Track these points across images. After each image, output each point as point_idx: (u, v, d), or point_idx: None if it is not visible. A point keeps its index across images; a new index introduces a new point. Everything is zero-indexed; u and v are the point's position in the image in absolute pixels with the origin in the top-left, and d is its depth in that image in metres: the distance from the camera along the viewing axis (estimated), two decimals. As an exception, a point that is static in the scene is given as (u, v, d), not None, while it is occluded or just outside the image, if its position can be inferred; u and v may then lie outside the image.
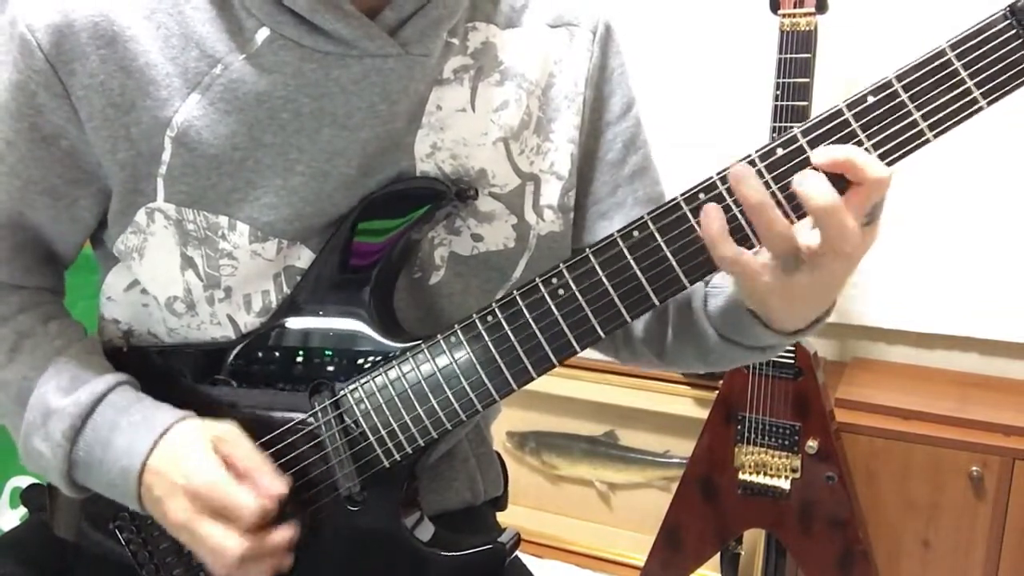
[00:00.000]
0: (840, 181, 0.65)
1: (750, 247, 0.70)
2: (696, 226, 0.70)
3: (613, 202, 0.90)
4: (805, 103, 1.55)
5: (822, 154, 0.66)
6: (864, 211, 0.65)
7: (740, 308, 0.76)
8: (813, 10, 1.54)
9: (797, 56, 1.55)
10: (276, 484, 0.75)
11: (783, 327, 0.75)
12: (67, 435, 0.78)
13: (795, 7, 1.55)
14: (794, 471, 1.69)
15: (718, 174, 0.69)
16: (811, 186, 0.64)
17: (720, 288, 0.80)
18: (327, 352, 0.81)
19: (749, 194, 0.65)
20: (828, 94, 1.61)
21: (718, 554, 1.88)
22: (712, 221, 0.67)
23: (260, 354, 0.82)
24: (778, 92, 1.56)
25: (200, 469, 0.74)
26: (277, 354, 0.82)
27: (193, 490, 0.74)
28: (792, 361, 1.66)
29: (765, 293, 0.70)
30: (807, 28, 1.55)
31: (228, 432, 0.77)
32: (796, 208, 0.66)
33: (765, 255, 0.67)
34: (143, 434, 0.77)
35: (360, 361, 0.80)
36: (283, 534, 0.76)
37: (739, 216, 0.69)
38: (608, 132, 0.89)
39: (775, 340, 0.77)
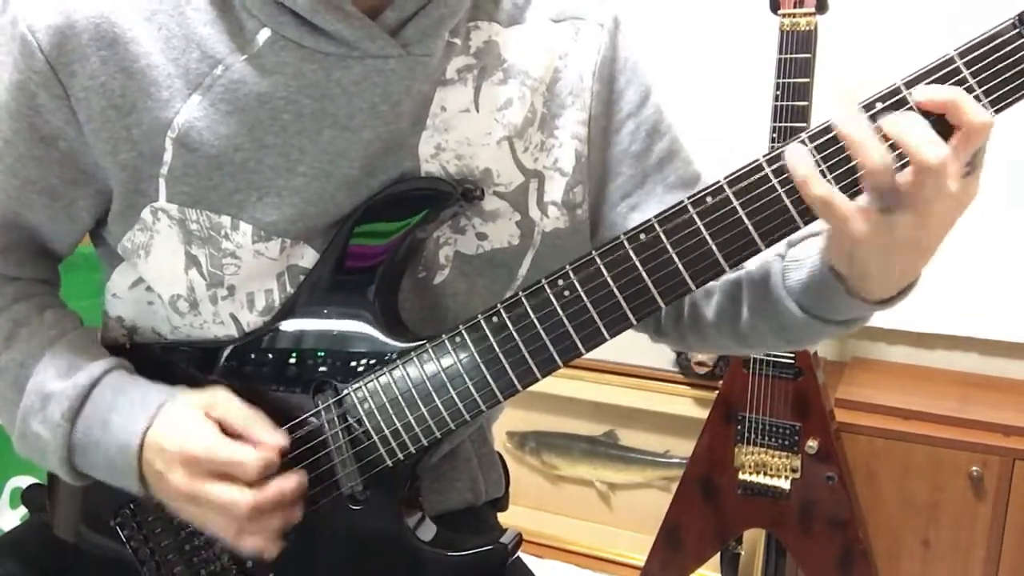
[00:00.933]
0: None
1: (755, 251, 0.70)
2: (702, 228, 0.70)
3: (643, 193, 0.88)
4: (805, 103, 1.55)
5: (924, 93, 0.64)
6: (965, 158, 0.64)
7: (826, 278, 0.73)
8: (813, 10, 1.54)
9: (797, 56, 1.55)
10: (273, 436, 0.75)
11: (872, 295, 0.72)
12: (66, 416, 0.78)
13: (795, 7, 1.55)
14: (794, 471, 1.69)
15: (725, 178, 0.69)
16: (917, 134, 0.62)
17: (800, 260, 0.77)
18: (331, 351, 0.80)
19: (848, 131, 0.64)
20: (828, 94, 1.61)
21: (718, 554, 1.88)
22: (799, 162, 0.66)
23: (264, 352, 0.82)
24: (778, 92, 1.56)
25: (195, 436, 0.75)
26: (281, 352, 0.82)
27: (192, 456, 0.74)
28: (792, 361, 1.66)
29: (861, 246, 0.67)
30: (807, 28, 1.55)
31: (219, 397, 0.78)
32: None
33: (863, 199, 0.65)
34: (139, 411, 0.77)
35: (364, 360, 0.79)
36: (289, 481, 0.75)
37: (744, 219, 0.69)
38: (629, 123, 0.88)
39: (861, 311, 0.74)
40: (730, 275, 0.82)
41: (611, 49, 0.87)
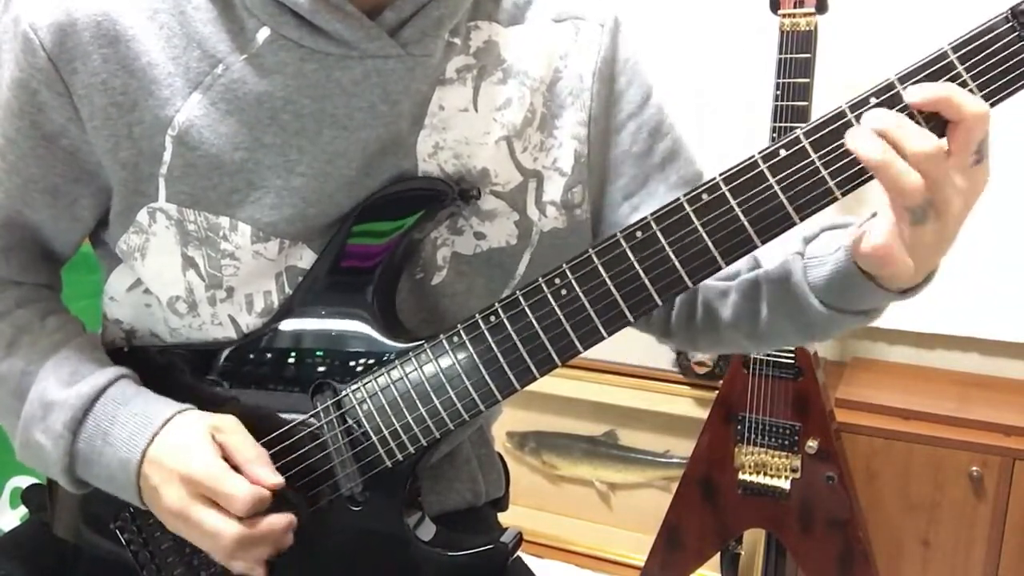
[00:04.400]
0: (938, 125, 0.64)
1: (752, 248, 0.70)
2: (699, 226, 0.70)
3: (645, 193, 0.88)
4: (805, 103, 1.55)
5: (917, 92, 0.64)
6: (969, 150, 0.64)
7: (852, 272, 0.73)
8: (813, 10, 1.54)
9: (797, 56, 1.55)
10: (269, 475, 0.75)
11: (899, 287, 0.72)
12: (68, 426, 0.78)
13: (795, 7, 1.55)
14: (794, 471, 1.69)
15: (721, 175, 0.69)
16: (910, 135, 0.63)
17: (820, 257, 0.77)
18: (330, 352, 0.80)
19: (871, 155, 0.63)
20: (828, 94, 1.61)
21: (718, 554, 1.88)
22: (865, 144, 0.64)
23: (262, 354, 0.82)
24: (778, 92, 1.56)
25: (196, 456, 0.75)
26: (279, 354, 0.82)
27: (188, 476, 0.74)
28: (792, 361, 1.66)
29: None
30: (807, 28, 1.55)
31: (227, 423, 0.77)
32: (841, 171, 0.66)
33: (894, 220, 0.66)
34: (143, 426, 0.77)
35: (362, 361, 0.79)
36: (279, 519, 0.75)
37: (741, 216, 0.69)
38: (631, 124, 0.88)
39: (886, 301, 0.75)
40: (747, 275, 0.83)
41: (611, 49, 0.87)
